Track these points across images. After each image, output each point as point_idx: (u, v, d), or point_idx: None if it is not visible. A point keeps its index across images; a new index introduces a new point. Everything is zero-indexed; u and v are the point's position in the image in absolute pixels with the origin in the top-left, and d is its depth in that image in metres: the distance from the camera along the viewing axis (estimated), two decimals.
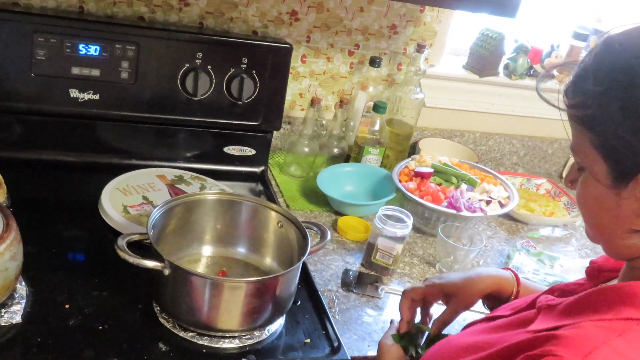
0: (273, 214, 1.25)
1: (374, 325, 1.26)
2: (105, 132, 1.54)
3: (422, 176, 1.61)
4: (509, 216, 1.77)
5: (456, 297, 1.07)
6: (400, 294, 1.28)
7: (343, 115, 1.72)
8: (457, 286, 1.08)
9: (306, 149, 1.70)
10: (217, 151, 1.63)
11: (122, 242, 1.08)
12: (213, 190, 1.39)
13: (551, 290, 0.91)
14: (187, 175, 1.53)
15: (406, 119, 1.79)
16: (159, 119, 1.55)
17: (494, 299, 1.09)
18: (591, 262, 0.91)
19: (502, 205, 1.60)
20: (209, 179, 1.53)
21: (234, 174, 1.65)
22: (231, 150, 1.64)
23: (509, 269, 1.12)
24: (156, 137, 1.58)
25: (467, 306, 1.08)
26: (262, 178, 1.67)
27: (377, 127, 1.70)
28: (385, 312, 1.30)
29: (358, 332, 1.23)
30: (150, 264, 1.06)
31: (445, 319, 1.07)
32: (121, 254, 1.06)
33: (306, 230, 1.19)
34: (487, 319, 0.96)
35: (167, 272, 1.06)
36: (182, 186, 1.48)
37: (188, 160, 1.62)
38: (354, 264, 1.43)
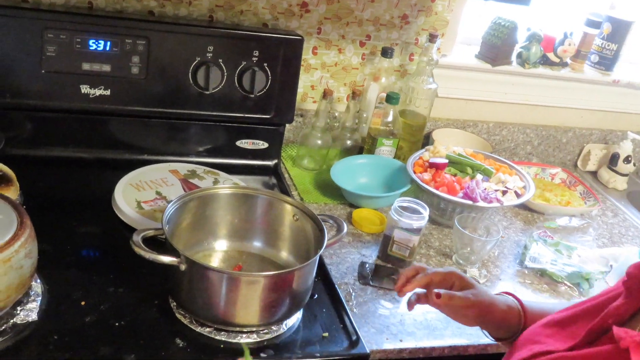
0: (288, 207, 1.24)
1: (392, 318, 1.24)
2: (117, 127, 1.53)
3: (436, 167, 1.59)
4: (524, 206, 1.75)
5: (475, 290, 1.05)
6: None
7: (355, 107, 1.70)
8: (479, 292, 1.05)
9: (319, 142, 1.68)
10: (229, 145, 1.62)
11: (137, 237, 1.07)
12: (227, 185, 1.37)
13: (606, 316, 0.79)
14: (200, 169, 1.52)
15: (419, 109, 1.77)
16: (170, 114, 1.54)
17: (497, 329, 1.05)
18: (627, 274, 0.82)
19: (518, 195, 1.58)
20: (222, 173, 1.52)
21: (247, 167, 1.64)
22: (243, 143, 1.63)
23: (509, 294, 1.07)
24: (168, 131, 1.56)
25: (478, 304, 1.03)
26: (275, 171, 1.66)
27: (390, 119, 1.68)
28: (402, 304, 1.28)
29: (376, 325, 1.21)
30: (166, 259, 1.05)
31: (454, 295, 1.03)
32: (137, 249, 1.05)
33: (322, 223, 1.17)
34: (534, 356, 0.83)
35: (183, 267, 1.05)
36: (195, 181, 1.47)
37: (200, 155, 1.60)
38: (370, 256, 1.42)
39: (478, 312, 1.03)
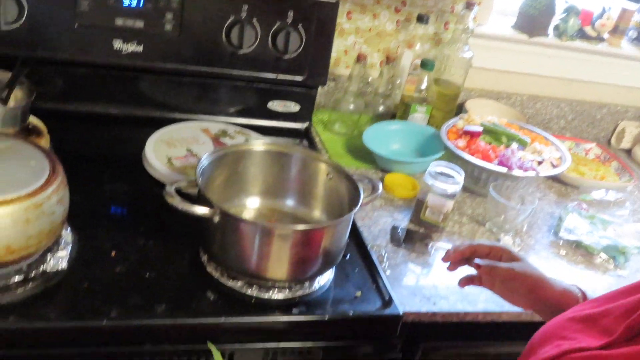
0: (323, 165, 1.21)
1: (425, 281, 1.22)
2: (149, 84, 1.51)
3: (471, 135, 1.55)
4: (558, 180, 1.71)
5: (522, 263, 0.99)
6: None
7: (389, 72, 1.67)
8: (527, 265, 0.98)
9: (351, 106, 1.65)
10: (260, 106, 1.59)
11: (170, 188, 1.05)
12: (261, 141, 1.34)
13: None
14: (231, 129, 1.50)
15: (453, 78, 1.73)
16: (202, 72, 1.51)
17: (551, 313, 0.92)
18: None
19: (554, 166, 1.54)
20: (253, 134, 1.50)
21: (278, 129, 1.61)
22: (275, 105, 1.60)
23: (576, 286, 0.97)
24: (200, 90, 1.54)
25: (524, 277, 0.96)
26: (306, 134, 1.63)
27: (424, 86, 1.64)
28: (435, 268, 1.26)
29: (409, 288, 1.19)
30: (200, 210, 1.03)
31: (496, 265, 0.98)
32: (170, 199, 1.03)
33: (357, 182, 1.15)
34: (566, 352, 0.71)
35: (216, 219, 1.03)
36: (226, 140, 1.45)
37: (231, 115, 1.58)
38: (402, 220, 1.39)
39: (526, 287, 0.95)
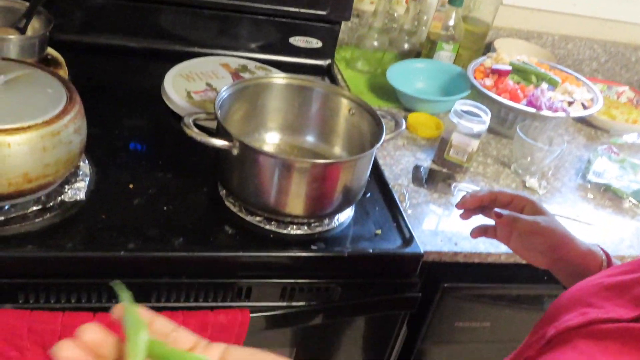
0: (345, 100, 1.17)
1: (447, 221, 1.19)
2: (169, 17, 1.47)
3: (499, 73, 1.50)
4: (588, 122, 1.65)
5: (547, 217, 0.88)
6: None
7: (416, 8, 1.60)
8: (552, 220, 0.88)
9: (375, 43, 1.60)
10: (282, 42, 1.55)
11: (188, 120, 1.02)
12: (282, 74, 1.31)
13: None
14: (251, 64, 1.46)
15: (482, 15, 1.67)
16: (223, 5, 1.47)
17: (571, 274, 0.86)
18: None
19: (585, 107, 1.49)
20: (273, 69, 1.46)
21: (299, 66, 1.57)
22: (297, 41, 1.55)
23: (600, 247, 0.88)
24: (220, 24, 1.50)
25: (548, 232, 0.86)
26: (328, 72, 1.59)
27: (451, 23, 1.58)
28: (458, 210, 1.23)
29: (430, 227, 1.17)
30: (219, 142, 1.00)
31: (519, 217, 0.87)
32: (188, 131, 1.01)
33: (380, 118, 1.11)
34: (589, 323, 0.62)
35: (235, 151, 1.00)
36: (246, 75, 1.41)
37: (252, 51, 1.54)
38: (425, 160, 1.36)
39: (548, 244, 0.86)
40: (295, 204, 1.04)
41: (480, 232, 0.96)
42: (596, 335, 0.58)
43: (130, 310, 0.44)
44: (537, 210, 0.89)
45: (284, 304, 1.05)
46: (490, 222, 0.93)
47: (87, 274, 0.96)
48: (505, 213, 0.88)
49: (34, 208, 0.99)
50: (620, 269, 0.69)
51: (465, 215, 0.96)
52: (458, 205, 0.95)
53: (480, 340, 1.25)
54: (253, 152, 1.01)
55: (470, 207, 0.94)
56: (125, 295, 0.45)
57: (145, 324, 0.44)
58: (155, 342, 0.43)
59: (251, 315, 0.99)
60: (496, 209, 0.89)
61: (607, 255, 0.86)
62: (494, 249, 1.15)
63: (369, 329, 1.16)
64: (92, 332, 0.42)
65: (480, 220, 0.96)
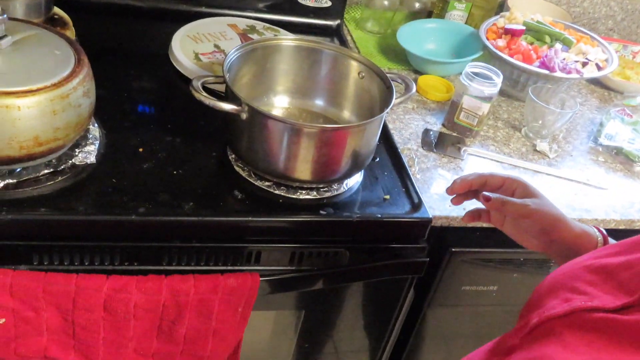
0: (354, 63, 1.16)
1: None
2: None
3: (512, 34, 1.47)
4: (601, 84, 1.63)
5: (538, 200, 0.85)
6: (485, 157, 1.20)
7: None
8: (543, 202, 0.85)
9: (385, 3, 1.57)
10: (290, 1, 1.52)
11: (197, 83, 1.02)
12: (291, 36, 1.29)
13: None
14: (259, 25, 1.44)
15: None
16: None
17: (566, 257, 0.81)
18: None
19: (599, 68, 1.46)
20: (282, 30, 1.44)
21: (308, 26, 1.54)
22: (306, 0, 1.53)
23: (596, 228, 0.85)
24: None
25: (539, 215, 0.83)
26: (337, 32, 1.57)
27: None
28: (467, 173, 1.22)
29: (439, 192, 1.16)
30: (227, 106, 1.00)
31: (508, 200, 0.85)
32: (197, 95, 1.00)
33: (390, 81, 1.10)
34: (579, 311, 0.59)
35: (244, 116, 1.00)
36: (254, 36, 1.40)
37: (260, 11, 1.51)
38: (435, 124, 1.35)
39: (539, 226, 0.84)
40: (304, 169, 1.04)
41: (473, 216, 0.94)
42: (581, 327, 0.57)
43: None
44: (528, 192, 0.87)
45: (293, 268, 1.06)
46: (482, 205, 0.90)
47: (100, 237, 0.98)
48: (494, 196, 0.86)
49: (46, 171, 1.00)
50: (607, 250, 0.67)
51: (457, 201, 0.93)
52: (448, 191, 0.93)
53: (487, 304, 1.26)
54: (262, 117, 1.00)
55: (459, 191, 0.92)
56: None
57: None
58: None
59: (261, 279, 1.01)
60: (484, 192, 0.87)
61: (604, 235, 0.84)
62: None
63: (377, 292, 1.17)
64: None
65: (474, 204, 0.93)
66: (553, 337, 0.57)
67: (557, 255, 0.86)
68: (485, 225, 1.15)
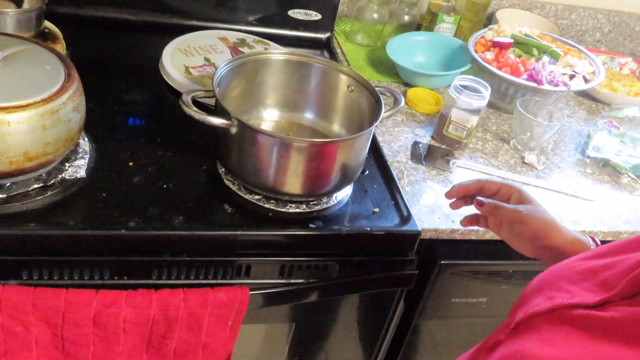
0: (343, 77, 1.17)
1: (445, 199, 1.19)
2: None
3: (500, 46, 1.49)
4: (589, 96, 1.65)
5: (531, 206, 0.87)
6: (473, 169, 1.21)
7: None
8: (536, 209, 0.87)
9: (375, 15, 1.58)
10: (280, 14, 1.53)
11: (187, 97, 1.02)
12: (281, 50, 1.30)
13: None
14: (249, 38, 1.45)
15: None
16: None
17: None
18: None
19: (586, 80, 1.48)
20: (272, 43, 1.45)
21: (298, 39, 1.56)
22: (296, 13, 1.54)
23: (591, 238, 0.87)
24: None
25: (531, 221, 0.85)
26: (327, 45, 1.58)
27: None
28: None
29: (428, 205, 1.17)
30: (217, 121, 1.00)
31: (500, 205, 0.87)
32: (186, 109, 1.01)
33: (379, 94, 1.11)
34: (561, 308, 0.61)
35: (233, 130, 1.00)
36: (244, 49, 1.40)
37: (250, 24, 1.53)
38: (424, 136, 1.36)
39: (531, 232, 0.86)
40: (294, 183, 1.04)
41: (471, 221, 0.96)
42: (560, 321, 0.59)
43: None
44: (523, 199, 0.89)
45: (283, 281, 1.06)
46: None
47: (89, 252, 0.98)
48: (487, 201, 0.88)
49: (35, 186, 1.00)
50: (593, 252, 0.69)
51: (455, 205, 0.96)
52: (446, 195, 0.95)
53: (477, 315, 1.27)
54: (251, 131, 1.01)
55: (457, 195, 0.94)
56: None
57: None
58: None
59: (251, 292, 1.01)
60: (478, 197, 0.89)
61: (598, 245, 0.85)
62: None
63: (367, 305, 1.18)
64: None
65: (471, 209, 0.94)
66: (533, 332, 0.60)
67: (550, 262, 0.85)
68: (473, 237, 1.17)
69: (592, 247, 0.84)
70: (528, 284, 0.70)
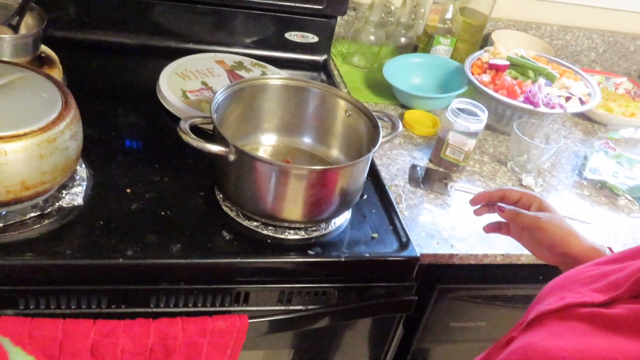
0: (341, 102, 1.17)
1: (443, 222, 1.20)
2: (162, 13, 1.46)
3: (496, 69, 1.49)
4: (585, 116, 1.65)
5: (550, 214, 0.92)
6: (471, 192, 1.22)
7: (413, 1, 1.59)
8: (555, 217, 0.92)
9: (372, 37, 1.59)
10: (277, 37, 1.54)
11: (184, 124, 1.02)
12: (278, 75, 1.30)
13: None
14: (247, 61, 1.45)
15: (480, 7, 1.65)
16: (218, 0, 1.45)
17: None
18: None
19: (582, 102, 1.48)
20: (269, 66, 1.45)
21: (295, 61, 1.56)
22: (293, 36, 1.54)
23: (608, 248, 0.91)
24: (215, 19, 1.48)
25: (550, 228, 0.90)
26: (324, 67, 1.58)
27: (449, 15, 1.57)
28: (454, 209, 1.23)
29: (426, 229, 1.17)
30: (215, 148, 1.00)
31: (520, 212, 0.92)
32: (184, 137, 1.00)
33: (377, 120, 1.11)
34: (570, 306, 0.64)
35: (232, 157, 1.00)
36: (242, 72, 1.40)
37: (247, 46, 1.53)
38: (422, 159, 1.36)
39: (550, 239, 0.90)
40: (292, 210, 1.04)
41: (492, 228, 1.01)
42: (568, 318, 0.62)
43: None
44: (543, 207, 0.94)
45: (282, 308, 1.06)
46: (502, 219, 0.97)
47: (87, 281, 0.97)
48: (507, 207, 0.93)
49: (32, 214, 0.99)
50: (607, 258, 0.72)
51: (479, 212, 1.02)
52: (471, 202, 1.01)
53: (476, 339, 1.26)
54: (250, 159, 1.01)
55: (480, 203, 1.00)
56: None
57: None
58: None
59: (250, 320, 1.00)
60: (499, 204, 0.95)
61: (612, 252, 0.88)
62: (490, 250, 1.16)
63: (366, 330, 1.17)
64: None
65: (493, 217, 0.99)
66: (543, 328, 0.63)
67: (568, 269, 0.86)
68: (472, 262, 1.17)
69: (607, 255, 0.87)
70: (527, 307, 0.72)
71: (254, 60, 1.46)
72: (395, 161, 1.33)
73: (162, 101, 1.29)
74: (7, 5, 1.27)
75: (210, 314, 1.00)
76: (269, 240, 1.05)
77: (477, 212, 1.02)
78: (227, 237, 1.04)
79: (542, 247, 0.92)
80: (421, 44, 1.63)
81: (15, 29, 1.24)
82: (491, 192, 0.98)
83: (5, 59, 1.19)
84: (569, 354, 0.56)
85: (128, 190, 1.09)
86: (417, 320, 1.21)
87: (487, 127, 1.48)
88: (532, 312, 0.67)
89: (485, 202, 1.00)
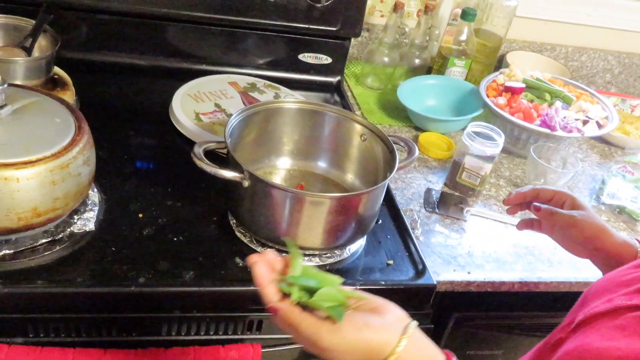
0: (357, 126, 1.15)
1: (460, 248, 1.17)
2: (175, 34, 1.45)
3: (512, 91, 1.47)
4: (602, 139, 1.63)
5: (584, 212, 0.95)
6: (487, 217, 1.22)
7: (427, 22, 1.58)
8: (589, 214, 0.95)
9: (386, 59, 1.57)
10: (291, 58, 1.53)
11: (198, 150, 1.01)
12: (293, 99, 1.29)
13: None
14: (260, 83, 1.44)
15: (495, 28, 1.64)
16: (231, 21, 1.45)
17: (607, 264, 0.92)
18: None
19: (600, 126, 1.46)
20: (282, 88, 1.44)
21: (309, 83, 1.55)
22: (306, 57, 1.53)
23: (637, 240, 0.94)
24: (228, 41, 1.48)
25: (583, 225, 0.93)
26: (337, 88, 1.57)
27: (463, 37, 1.55)
28: (470, 235, 1.21)
29: (443, 255, 1.15)
30: (229, 174, 0.99)
31: (556, 211, 0.96)
32: (198, 162, 0.99)
33: (393, 144, 1.09)
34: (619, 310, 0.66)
35: (246, 183, 0.99)
36: (255, 94, 1.39)
37: (260, 68, 1.52)
38: (437, 183, 1.34)
39: (584, 235, 0.94)
40: (307, 237, 1.02)
41: (525, 225, 1.05)
42: (618, 319, 0.63)
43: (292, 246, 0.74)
44: (576, 205, 0.97)
45: None
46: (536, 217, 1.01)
47: (98, 309, 0.96)
48: (543, 207, 0.97)
49: (43, 240, 0.98)
50: None
51: (512, 211, 1.05)
52: (505, 202, 1.04)
53: None
54: (264, 185, 0.99)
55: (514, 202, 1.03)
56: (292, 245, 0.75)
57: (301, 254, 0.74)
58: (306, 266, 0.73)
59: (263, 349, 0.98)
60: (535, 203, 0.99)
61: None
62: (508, 277, 1.14)
63: None
64: (271, 254, 0.74)
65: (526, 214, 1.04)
66: (593, 330, 0.64)
67: (601, 264, 0.95)
68: (489, 289, 1.14)
69: (638, 249, 0.91)
70: (546, 335, 0.74)
71: (267, 82, 1.45)
72: (410, 185, 1.31)
73: (175, 124, 1.28)
74: (21, 26, 1.26)
75: (222, 342, 0.98)
76: None
77: (510, 212, 1.05)
78: (241, 264, 1.02)
79: (576, 243, 0.96)
80: (435, 66, 1.61)
81: (28, 51, 1.24)
82: (525, 191, 1.01)
83: (19, 81, 1.19)
84: (624, 353, 0.58)
85: (140, 215, 1.07)
86: None
87: (503, 150, 1.45)
88: (580, 314, 0.68)
89: (520, 202, 1.02)
